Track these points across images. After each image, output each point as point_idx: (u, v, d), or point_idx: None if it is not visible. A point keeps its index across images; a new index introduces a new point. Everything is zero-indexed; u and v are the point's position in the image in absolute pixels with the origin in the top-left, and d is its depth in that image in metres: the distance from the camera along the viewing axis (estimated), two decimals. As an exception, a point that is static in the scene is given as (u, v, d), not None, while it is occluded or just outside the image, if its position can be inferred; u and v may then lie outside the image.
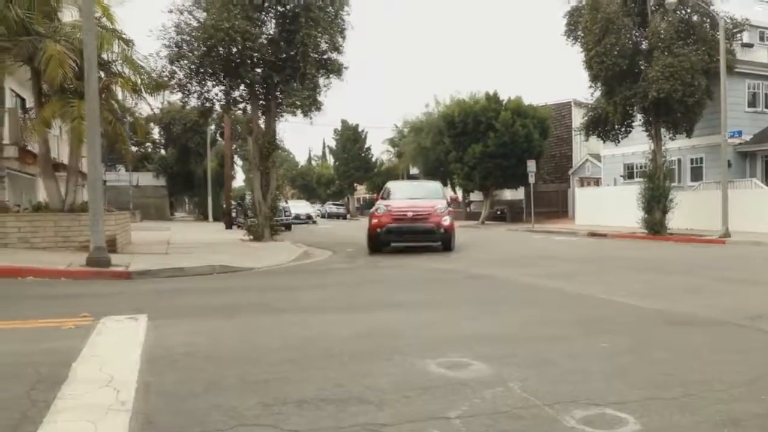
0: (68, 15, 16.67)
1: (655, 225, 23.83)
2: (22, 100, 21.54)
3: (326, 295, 9.59)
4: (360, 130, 72.46)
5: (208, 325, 6.91)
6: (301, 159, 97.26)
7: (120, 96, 16.89)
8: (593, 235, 25.85)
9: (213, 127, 43.60)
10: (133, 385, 4.41)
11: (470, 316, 7.46)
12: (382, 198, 18.74)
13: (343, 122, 72.94)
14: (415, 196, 18.56)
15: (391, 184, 20.51)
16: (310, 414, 3.81)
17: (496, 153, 37.03)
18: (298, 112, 20.05)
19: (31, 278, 11.01)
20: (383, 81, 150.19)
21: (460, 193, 47.61)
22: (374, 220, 17.23)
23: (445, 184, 43.48)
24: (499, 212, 43.22)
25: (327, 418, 3.74)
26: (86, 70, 12.07)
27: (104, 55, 15.37)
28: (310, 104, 19.71)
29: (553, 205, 41.85)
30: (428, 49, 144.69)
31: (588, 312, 7.65)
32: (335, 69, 20.12)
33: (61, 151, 21.61)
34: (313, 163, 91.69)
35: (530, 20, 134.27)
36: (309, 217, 45.73)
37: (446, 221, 17.07)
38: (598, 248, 18.96)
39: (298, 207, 45.40)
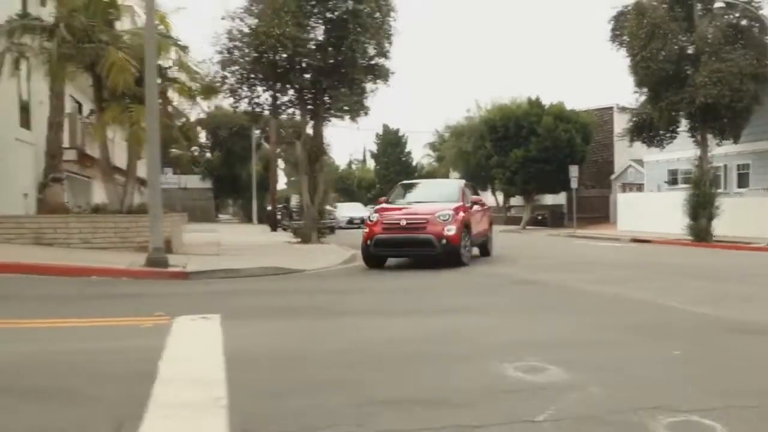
0: (125, 22, 17.18)
1: (700, 232, 23.47)
2: (80, 105, 22.19)
3: (381, 299, 9.83)
4: (401, 134, 72.69)
5: (278, 326, 7.15)
6: (341, 163, 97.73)
7: (175, 101, 17.31)
8: (637, 241, 25.59)
9: (258, 131, 44.05)
10: (223, 383, 4.55)
11: (530, 321, 7.59)
12: (387, 201, 16.29)
13: (385, 126, 73.20)
14: (425, 198, 15.62)
15: (401, 185, 17.99)
16: (399, 414, 3.94)
17: (538, 158, 36.88)
18: (346, 116, 20.38)
19: (95, 277, 11.41)
20: (424, 85, 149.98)
21: (500, 198, 47.32)
22: (366, 230, 14.70)
23: (485, 189, 43.35)
24: (540, 217, 42.91)
25: (417, 418, 3.86)
26: (147, 77, 12.44)
27: (161, 62, 15.78)
28: (357, 109, 20.04)
29: (594, 210, 41.50)
30: (469, 53, 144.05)
31: (648, 318, 7.69)
32: (383, 74, 20.38)
33: (115, 155, 22.17)
34: (353, 167, 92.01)
35: (572, 25, 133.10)
36: (363, 221, 44.29)
37: (450, 231, 13.88)
38: (643, 254, 18.82)
39: (353, 210, 43.67)
